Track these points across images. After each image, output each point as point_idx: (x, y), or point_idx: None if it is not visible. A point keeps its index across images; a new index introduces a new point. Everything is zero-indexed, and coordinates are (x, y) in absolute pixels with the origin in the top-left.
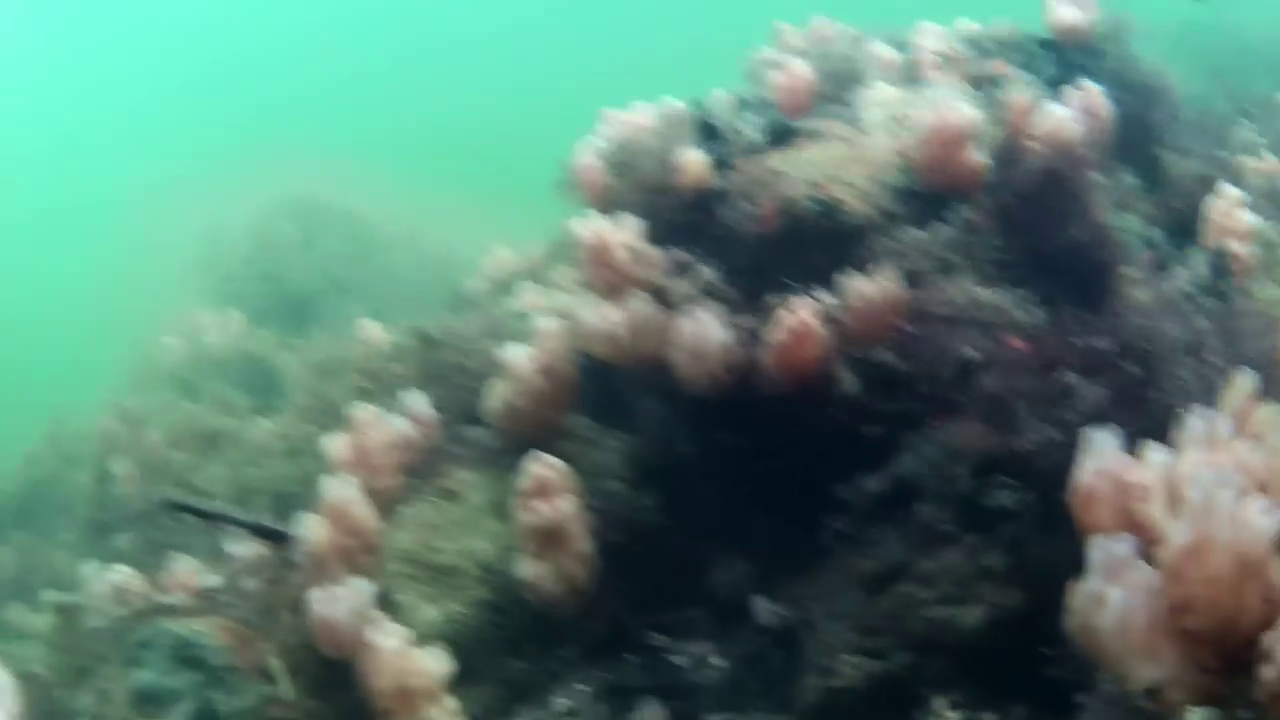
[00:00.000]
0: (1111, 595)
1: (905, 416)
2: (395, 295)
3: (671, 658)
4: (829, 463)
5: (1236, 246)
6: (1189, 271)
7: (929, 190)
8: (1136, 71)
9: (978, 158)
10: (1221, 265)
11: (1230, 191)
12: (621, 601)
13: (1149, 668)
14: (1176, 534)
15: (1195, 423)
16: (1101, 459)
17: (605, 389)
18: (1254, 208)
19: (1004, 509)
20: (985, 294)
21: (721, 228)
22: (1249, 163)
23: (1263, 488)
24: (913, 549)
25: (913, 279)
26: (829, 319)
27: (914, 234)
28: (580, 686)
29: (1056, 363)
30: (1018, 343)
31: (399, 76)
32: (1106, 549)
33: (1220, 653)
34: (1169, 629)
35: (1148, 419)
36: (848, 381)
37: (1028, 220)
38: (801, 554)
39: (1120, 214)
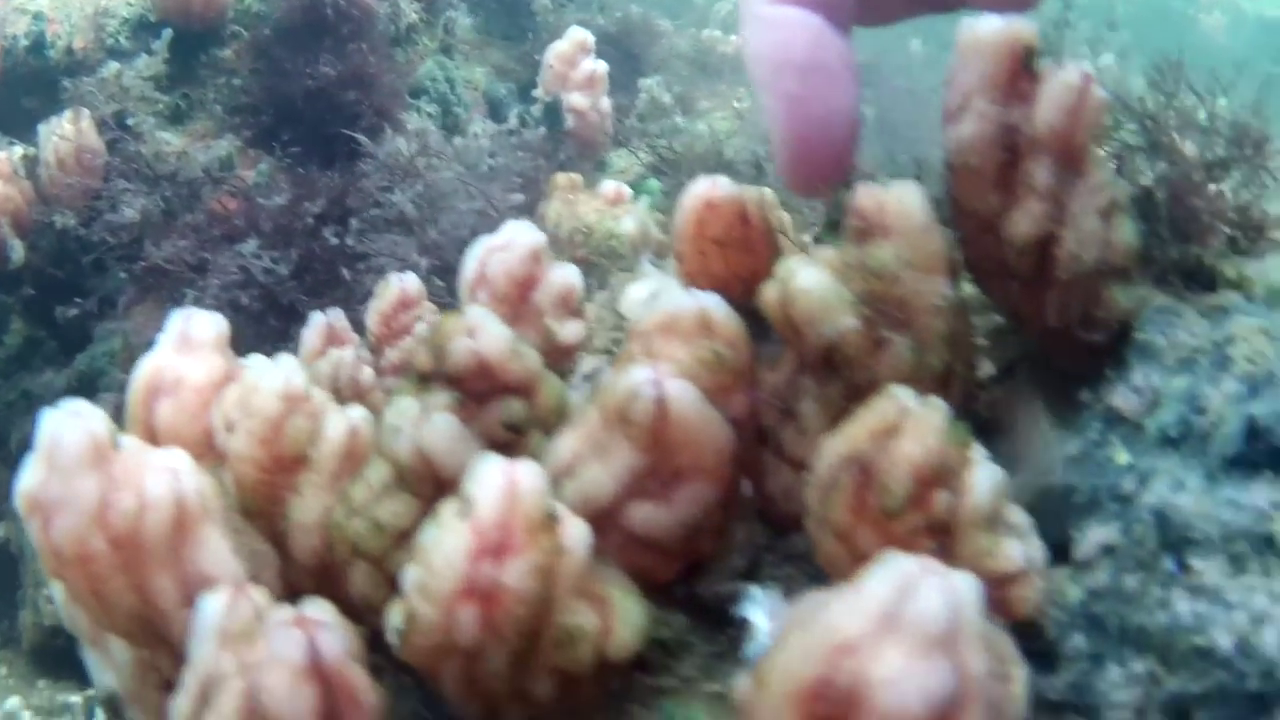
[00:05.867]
0: None
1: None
2: None
3: None
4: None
5: (578, 100)
6: (509, 124)
7: (168, 21)
8: None
9: None
10: (553, 115)
11: (576, 35)
12: None
13: None
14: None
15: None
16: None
17: None
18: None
19: None
20: (176, 141)
21: None
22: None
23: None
24: None
25: (116, 126)
26: (18, 176)
27: (116, 71)
28: None
29: (249, 227)
30: (224, 202)
31: None
32: None
33: None
34: None
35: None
36: (19, 251)
37: (282, 58)
38: None
39: (443, 61)
